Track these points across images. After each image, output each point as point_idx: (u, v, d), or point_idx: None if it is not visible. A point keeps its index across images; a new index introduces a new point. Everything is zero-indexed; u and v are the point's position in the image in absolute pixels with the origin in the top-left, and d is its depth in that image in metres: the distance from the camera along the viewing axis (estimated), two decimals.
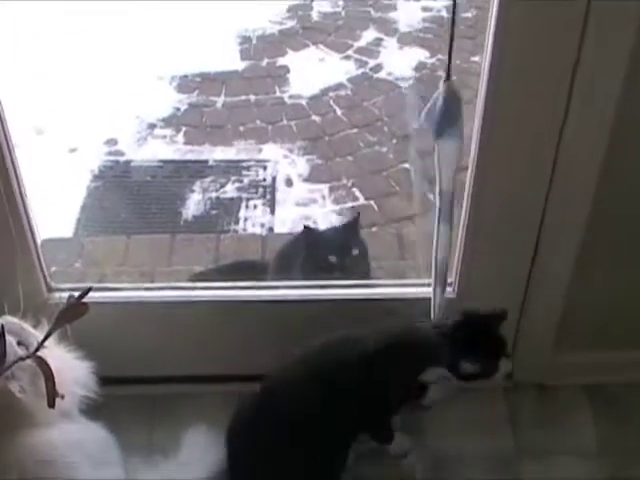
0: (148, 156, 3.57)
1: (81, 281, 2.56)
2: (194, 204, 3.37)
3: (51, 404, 1.37)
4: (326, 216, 3.36)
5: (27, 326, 1.63)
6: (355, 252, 2.36)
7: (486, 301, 1.84)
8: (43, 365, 1.39)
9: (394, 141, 3.66)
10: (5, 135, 1.69)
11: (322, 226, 3.28)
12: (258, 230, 3.30)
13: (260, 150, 3.66)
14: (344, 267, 2.26)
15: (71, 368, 1.70)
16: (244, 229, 3.28)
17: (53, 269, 2.82)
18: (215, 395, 2.04)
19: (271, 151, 3.65)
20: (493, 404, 2.05)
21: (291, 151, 3.65)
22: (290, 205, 3.42)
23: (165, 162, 3.57)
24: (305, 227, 2.49)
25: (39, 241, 1.88)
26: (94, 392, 1.76)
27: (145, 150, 3.61)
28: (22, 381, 1.57)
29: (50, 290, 1.91)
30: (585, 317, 1.94)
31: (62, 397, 1.42)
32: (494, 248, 1.79)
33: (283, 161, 3.61)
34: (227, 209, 3.39)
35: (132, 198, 3.40)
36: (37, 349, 1.47)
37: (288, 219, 3.36)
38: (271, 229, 3.31)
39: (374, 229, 3.33)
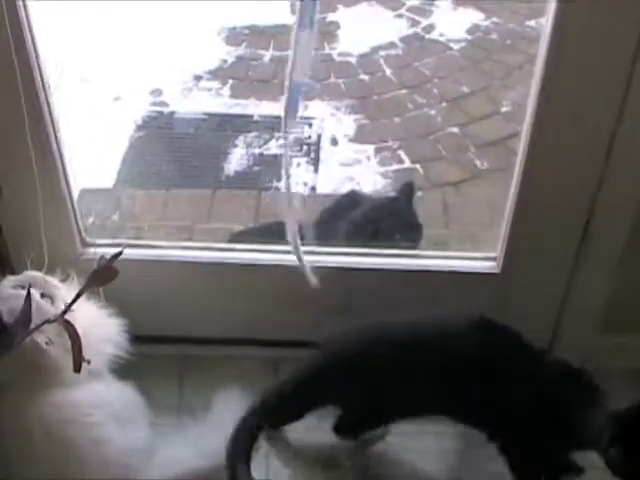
0: (192, 108, 3.51)
1: (117, 235, 2.51)
2: (236, 159, 3.31)
3: (77, 369, 1.34)
4: (370, 178, 3.28)
5: (50, 278, 1.59)
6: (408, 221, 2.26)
7: (530, 279, 1.79)
8: (70, 328, 1.36)
9: (443, 104, 3.57)
10: (43, 82, 1.64)
11: (366, 188, 3.22)
12: (301, 189, 3.23)
13: (306, 107, 3.58)
14: (392, 238, 2.17)
15: (102, 326, 1.67)
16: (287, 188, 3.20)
17: (90, 220, 2.82)
18: (250, 359, 2.01)
19: (317, 108, 3.57)
20: None
21: (338, 109, 3.58)
22: (334, 165, 3.35)
23: (209, 115, 3.51)
24: (352, 191, 2.40)
25: (75, 193, 1.82)
26: (125, 351, 1.72)
27: (190, 102, 3.55)
28: (49, 334, 1.53)
29: (84, 245, 1.86)
30: (631, 300, 1.86)
31: (88, 362, 1.38)
32: (543, 226, 1.73)
33: (329, 119, 3.53)
34: (270, 166, 3.33)
35: (174, 151, 3.35)
36: (64, 312, 1.43)
37: (331, 179, 3.30)
38: (314, 188, 3.24)
39: (419, 194, 3.25)
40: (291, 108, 1.64)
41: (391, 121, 3.52)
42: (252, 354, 2.00)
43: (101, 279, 1.43)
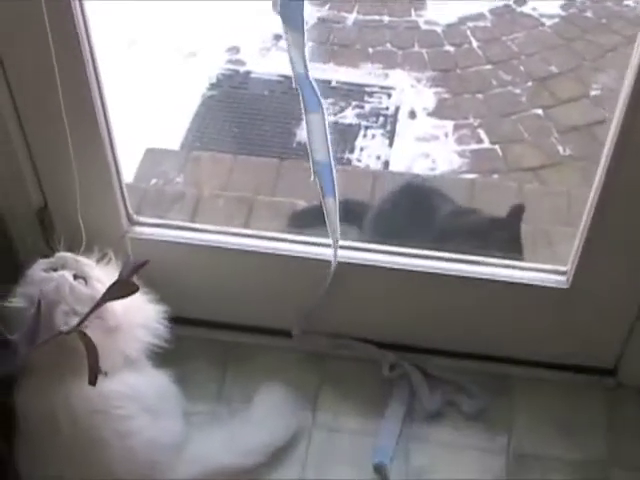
0: (269, 69, 3.41)
1: (176, 201, 2.43)
2: None
3: (92, 382, 1.26)
4: (447, 156, 3.16)
5: (82, 258, 1.52)
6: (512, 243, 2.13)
7: (600, 297, 1.67)
8: (86, 340, 1.27)
9: (529, 83, 3.41)
10: (90, 47, 1.53)
11: (442, 166, 3.10)
12: (373, 162, 3.13)
13: (386, 76, 3.47)
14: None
15: (140, 311, 1.60)
16: (358, 159, 3.11)
17: (153, 181, 2.76)
18: (296, 352, 1.91)
19: (398, 78, 3.45)
20: (589, 404, 1.85)
21: (419, 81, 3.45)
22: (410, 139, 3.24)
23: (286, 77, 3.40)
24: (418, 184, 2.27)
25: (122, 165, 1.72)
26: (164, 339, 1.65)
27: (267, 62, 3.44)
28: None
29: (131, 222, 1.78)
30: None
31: (105, 374, 1.30)
32: (621, 243, 1.59)
33: (409, 90, 3.41)
34: (344, 135, 3.22)
35: (246, 112, 3.26)
36: (80, 323, 1.35)
37: (406, 154, 3.18)
38: (387, 163, 3.13)
39: (495, 176, 3.12)
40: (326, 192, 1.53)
41: (473, 97, 3.38)
42: (299, 347, 1.89)
43: (119, 293, 1.34)
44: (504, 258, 1.77)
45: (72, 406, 1.49)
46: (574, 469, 1.78)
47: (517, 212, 2.16)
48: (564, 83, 3.39)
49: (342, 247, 1.73)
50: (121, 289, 1.33)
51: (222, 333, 1.92)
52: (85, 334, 1.30)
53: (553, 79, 3.40)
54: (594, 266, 1.65)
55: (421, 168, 3.12)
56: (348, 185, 2.76)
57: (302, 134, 3.16)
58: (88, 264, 1.52)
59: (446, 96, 3.37)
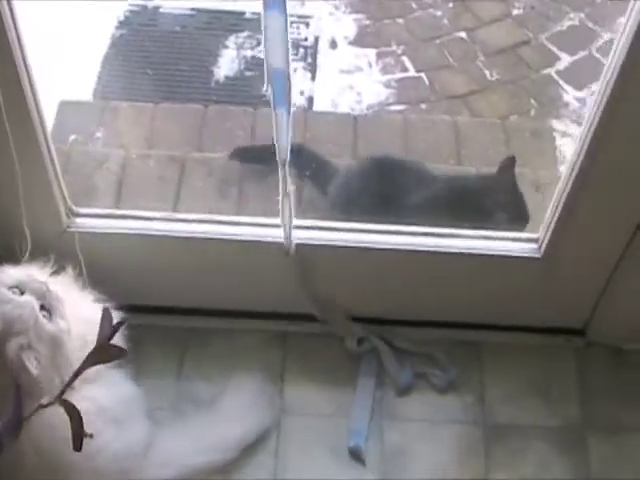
0: (179, 3, 3.21)
1: (102, 164, 2.27)
2: (228, 63, 3.06)
3: (77, 447, 1.14)
4: (372, 87, 3.04)
5: (54, 287, 1.38)
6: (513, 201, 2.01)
7: (573, 264, 1.61)
8: (69, 407, 1.15)
9: (450, 4, 3.30)
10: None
11: (368, 99, 2.99)
12: (297, 98, 2.99)
13: (302, 4, 3.30)
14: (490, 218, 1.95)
15: (94, 321, 1.45)
16: None
17: (72, 137, 2.58)
18: (256, 333, 1.81)
19: (314, 6, 3.30)
20: (560, 366, 1.81)
21: (337, 7, 3.30)
22: (333, 72, 3.11)
23: (198, 11, 3.22)
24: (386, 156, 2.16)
25: (54, 151, 1.57)
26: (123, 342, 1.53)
27: None
28: (39, 353, 1.33)
29: (71, 214, 1.63)
30: None
31: (91, 436, 1.18)
32: (597, 212, 1.52)
33: (327, 18, 3.27)
34: (263, 70, 3.06)
35: (160, 51, 3.08)
36: (62, 392, 1.21)
37: (330, 88, 3.05)
38: (311, 98, 3.00)
39: (423, 106, 3.03)
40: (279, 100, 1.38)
41: (394, 22, 3.26)
42: (256, 327, 1.80)
43: (102, 358, 1.21)
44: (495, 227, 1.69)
45: (35, 436, 1.36)
46: (551, 434, 1.74)
47: (509, 166, 2.03)
48: (486, 3, 3.30)
49: (305, 227, 1.62)
50: (104, 354, 1.19)
51: (176, 319, 1.81)
52: (68, 402, 1.17)
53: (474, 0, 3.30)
54: (569, 235, 1.58)
55: (347, 102, 3.00)
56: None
57: (220, 72, 3.02)
58: (57, 297, 1.38)
59: (366, 22, 3.25)
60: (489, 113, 2.99)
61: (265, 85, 1.39)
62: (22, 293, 1.35)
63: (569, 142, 2.90)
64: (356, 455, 1.68)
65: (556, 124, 2.95)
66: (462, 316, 1.78)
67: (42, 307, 1.36)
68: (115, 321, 1.22)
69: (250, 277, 1.72)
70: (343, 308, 1.74)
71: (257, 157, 2.35)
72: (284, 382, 1.77)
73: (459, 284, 1.70)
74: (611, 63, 1.32)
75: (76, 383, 1.38)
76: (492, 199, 1.93)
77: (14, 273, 1.38)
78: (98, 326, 1.41)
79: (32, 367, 1.30)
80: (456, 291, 1.71)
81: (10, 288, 1.36)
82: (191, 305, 1.78)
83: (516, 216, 1.92)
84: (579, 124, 2.93)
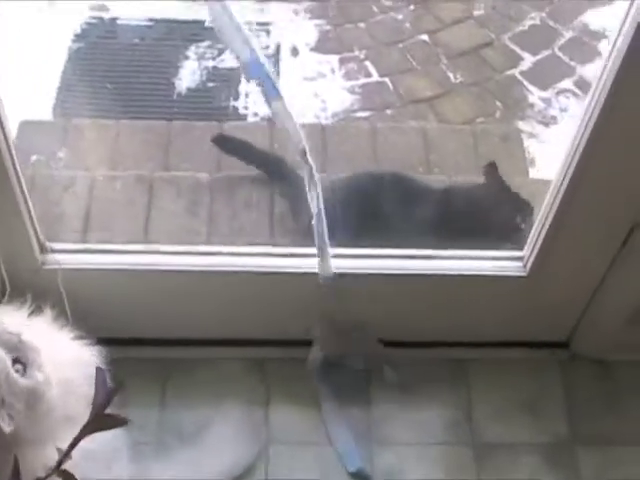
0: (136, 14, 3.15)
1: (67, 188, 2.22)
2: (189, 74, 3.01)
3: None
4: (337, 94, 3.01)
5: (28, 336, 1.32)
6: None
7: (559, 281, 1.59)
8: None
9: (411, 7, 3.27)
10: None
11: (333, 106, 2.95)
12: (261, 108, 2.95)
13: (262, 10, 3.26)
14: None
15: (81, 365, 1.41)
16: (245, 107, 2.93)
17: (34, 158, 2.52)
18: (237, 360, 1.78)
19: (274, 12, 3.25)
20: (546, 380, 1.79)
21: (296, 13, 3.26)
22: (296, 79, 3.07)
23: (156, 21, 3.16)
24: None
25: (25, 185, 1.52)
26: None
27: (132, 6, 3.18)
28: (13, 409, 1.27)
29: (44, 251, 1.58)
30: None
31: None
32: (583, 231, 1.50)
33: (288, 25, 3.22)
34: (226, 81, 3.03)
35: (119, 65, 3.02)
36: (60, 463, 1.16)
37: (295, 96, 3.00)
38: None
39: (388, 111, 3.00)
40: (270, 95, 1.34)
41: (355, 27, 3.22)
42: (240, 355, 1.76)
43: (102, 425, 1.16)
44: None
45: None
46: (540, 450, 1.73)
47: (493, 171, 2.01)
48: (447, 5, 3.28)
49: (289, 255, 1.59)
50: (102, 423, 1.14)
51: (157, 350, 1.76)
52: (66, 473, 1.12)
53: (436, 1, 3.28)
54: (555, 253, 1.56)
55: (312, 110, 2.97)
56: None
57: (182, 84, 2.97)
58: (33, 348, 1.31)
59: (327, 28, 3.21)
60: (455, 116, 2.97)
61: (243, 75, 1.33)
62: None
63: (536, 143, 2.89)
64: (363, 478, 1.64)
65: (522, 125, 2.94)
66: (447, 335, 1.76)
67: (16, 360, 1.29)
68: (109, 383, 1.16)
69: (229, 305, 1.68)
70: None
71: (236, 149, 2.38)
72: (269, 410, 1.73)
73: (443, 304, 1.68)
74: (598, 85, 1.30)
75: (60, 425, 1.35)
76: (496, 203, 1.91)
77: None
78: (81, 367, 1.38)
79: (5, 425, 1.24)
80: (441, 311, 1.69)
81: None
82: (172, 336, 1.73)
83: (521, 209, 1.89)
84: (545, 125, 2.94)
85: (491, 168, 1.99)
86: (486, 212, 1.94)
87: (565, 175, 1.43)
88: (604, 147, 1.36)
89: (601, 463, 1.72)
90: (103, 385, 1.12)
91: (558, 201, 1.47)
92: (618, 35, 1.24)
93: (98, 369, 1.17)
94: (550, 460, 1.71)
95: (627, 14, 1.21)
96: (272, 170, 2.27)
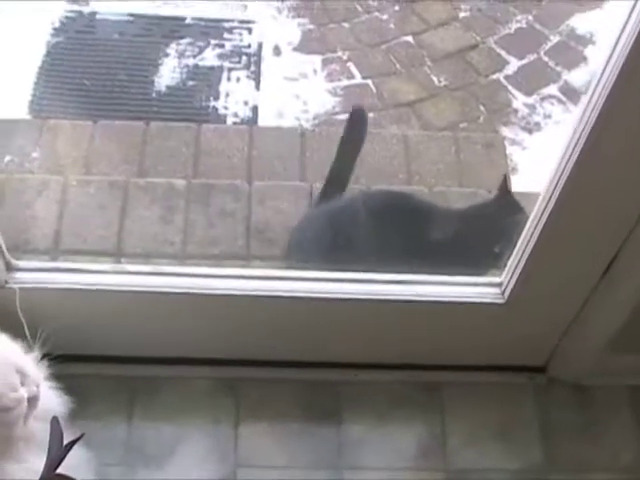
0: (116, 8, 3.11)
1: (41, 192, 2.17)
2: (169, 71, 2.97)
3: None
4: (318, 96, 2.97)
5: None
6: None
7: (537, 308, 1.56)
8: None
9: (396, 7, 3.23)
10: None
11: (314, 107, 2.92)
12: (241, 108, 2.91)
13: (245, 7, 3.22)
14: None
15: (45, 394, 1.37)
16: (225, 106, 2.88)
17: (7, 158, 2.47)
18: (206, 380, 1.74)
19: (257, 10, 3.21)
20: (523, 405, 1.76)
21: (280, 11, 3.21)
22: (278, 79, 3.03)
23: (136, 17, 3.11)
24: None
25: None
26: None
27: (112, 1, 3.13)
28: None
29: (9, 269, 1.53)
30: None
31: None
32: (564, 259, 1.47)
33: (271, 23, 3.18)
34: (206, 80, 2.98)
35: (97, 61, 2.98)
36: (56, 467, 1.11)
37: (275, 97, 2.97)
38: (255, 108, 2.92)
39: (371, 115, 2.96)
40: None
41: (339, 27, 3.17)
42: (209, 375, 1.72)
43: None
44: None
45: None
46: (514, 477, 1.70)
47: (504, 185, 1.96)
48: (432, 6, 3.24)
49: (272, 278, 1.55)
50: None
51: (124, 368, 1.72)
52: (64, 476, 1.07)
53: (421, 2, 3.24)
54: (534, 281, 1.53)
55: (293, 111, 2.93)
56: (221, 145, 2.54)
57: (162, 82, 2.92)
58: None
59: (311, 27, 3.17)
60: (438, 121, 2.94)
61: None
62: None
63: (519, 150, 2.86)
64: None
65: (506, 132, 2.91)
66: (422, 358, 1.72)
67: None
68: (65, 436, 1.12)
69: (199, 324, 1.64)
70: None
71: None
72: (238, 431, 1.69)
73: (420, 329, 1.64)
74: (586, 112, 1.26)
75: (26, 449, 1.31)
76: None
77: None
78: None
79: None
80: (417, 335, 1.66)
81: None
82: (139, 354, 1.69)
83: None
84: (529, 131, 2.90)
85: (504, 183, 1.94)
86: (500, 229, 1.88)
87: (547, 204, 1.40)
88: (587, 178, 1.33)
89: None
90: (58, 439, 1.08)
91: (539, 229, 1.43)
92: (618, 39, 1.18)
93: (53, 421, 1.13)
94: None
95: (629, 17, 1.15)
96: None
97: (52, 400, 1.37)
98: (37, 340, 1.44)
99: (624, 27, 1.15)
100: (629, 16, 1.15)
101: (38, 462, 1.34)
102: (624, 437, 1.76)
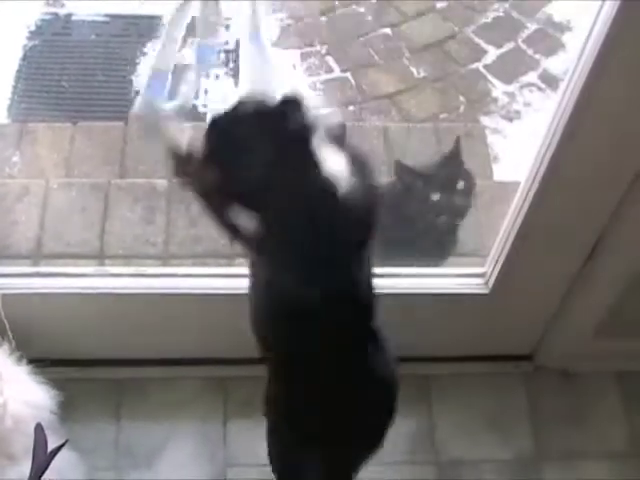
0: (92, 9, 3.09)
1: (21, 197, 2.16)
2: (146, 71, 2.94)
3: None
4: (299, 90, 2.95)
5: None
6: (460, 185, 1.84)
7: (521, 297, 1.56)
8: None
9: (373, 0, 3.22)
10: None
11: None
12: (221, 106, 2.88)
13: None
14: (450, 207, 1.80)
15: (32, 405, 1.36)
16: (204, 104, 2.87)
17: None
18: (194, 380, 1.73)
19: (234, 6, 3.19)
20: (511, 394, 1.76)
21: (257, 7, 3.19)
22: (257, 75, 3.00)
23: (112, 17, 3.09)
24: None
25: None
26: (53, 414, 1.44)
27: (88, 1, 3.11)
28: None
29: None
30: (628, 309, 1.65)
31: None
32: (547, 247, 1.47)
33: (248, 21, 3.15)
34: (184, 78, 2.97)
35: (75, 62, 2.96)
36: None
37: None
38: None
39: (351, 108, 2.96)
40: None
41: (317, 20, 3.16)
42: (192, 374, 1.72)
43: None
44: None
45: None
46: (505, 467, 1.70)
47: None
48: None
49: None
50: None
51: (111, 370, 1.71)
52: None
53: None
54: (517, 270, 1.53)
55: None
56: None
57: (139, 81, 2.90)
58: None
59: (289, 22, 3.14)
60: (418, 112, 2.93)
61: None
62: None
63: (500, 139, 2.86)
64: None
65: (486, 121, 2.90)
66: (409, 350, 1.71)
67: None
68: (49, 443, 1.11)
69: (187, 324, 1.63)
70: None
71: None
72: (227, 430, 1.69)
73: (405, 321, 1.63)
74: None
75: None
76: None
77: None
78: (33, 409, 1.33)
79: None
80: (403, 328, 1.64)
81: None
82: (126, 356, 1.69)
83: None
84: (509, 120, 2.90)
85: (455, 149, 1.91)
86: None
87: (528, 193, 1.39)
88: (567, 165, 1.33)
89: (567, 477, 1.69)
90: (43, 445, 1.07)
91: (520, 218, 1.42)
92: (593, 25, 1.18)
93: (37, 428, 1.12)
94: (515, 476, 1.68)
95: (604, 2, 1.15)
96: None
97: (39, 395, 1.36)
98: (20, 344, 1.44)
99: (599, 13, 1.15)
100: (604, 2, 1.14)
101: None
102: (612, 422, 1.77)
